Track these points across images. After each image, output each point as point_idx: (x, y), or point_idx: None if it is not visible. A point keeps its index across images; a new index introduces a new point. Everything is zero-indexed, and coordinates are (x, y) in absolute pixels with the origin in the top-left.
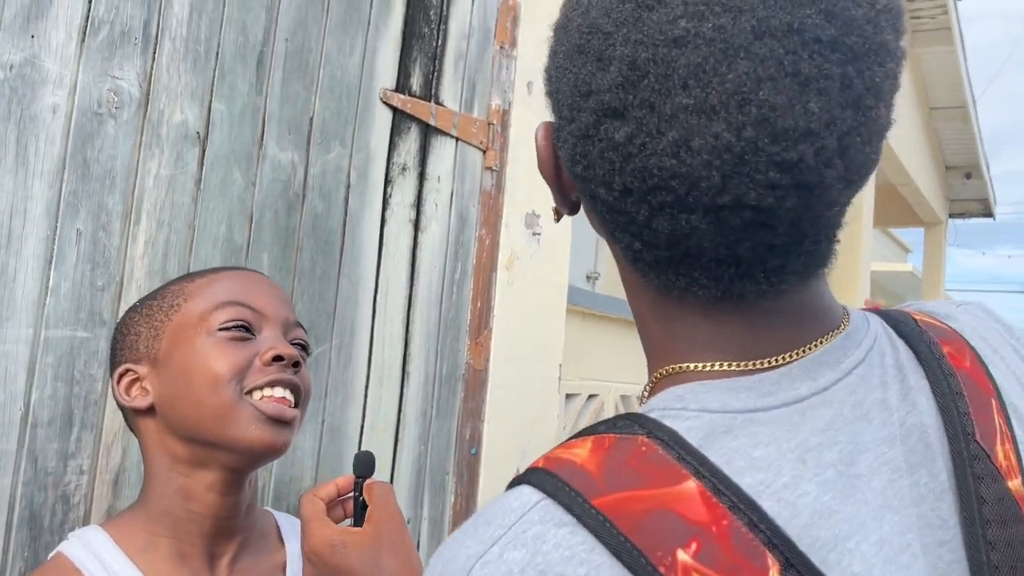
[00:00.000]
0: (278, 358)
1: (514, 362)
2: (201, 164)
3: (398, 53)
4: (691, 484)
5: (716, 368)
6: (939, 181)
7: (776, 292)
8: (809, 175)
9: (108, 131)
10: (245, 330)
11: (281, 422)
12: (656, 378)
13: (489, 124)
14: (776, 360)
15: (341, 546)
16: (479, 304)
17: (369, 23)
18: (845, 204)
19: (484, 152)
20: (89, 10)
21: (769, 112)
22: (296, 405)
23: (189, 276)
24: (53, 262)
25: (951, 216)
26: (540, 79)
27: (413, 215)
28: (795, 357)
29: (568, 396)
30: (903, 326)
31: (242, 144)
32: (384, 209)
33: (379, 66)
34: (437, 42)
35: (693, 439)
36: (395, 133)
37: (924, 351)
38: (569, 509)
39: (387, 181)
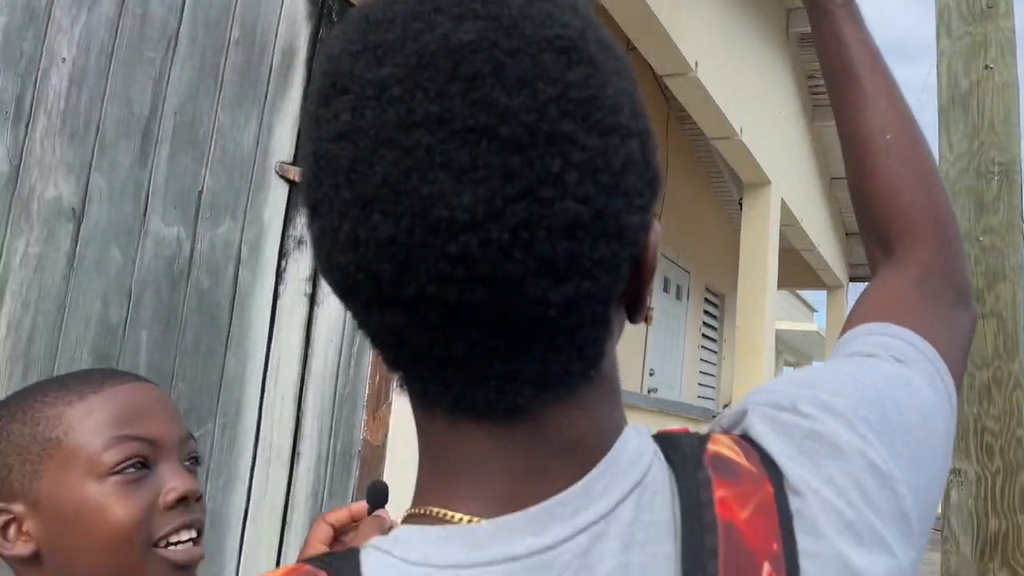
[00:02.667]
0: (183, 499)
1: (415, 437)
2: (76, 240)
3: (296, 127)
4: None
5: (447, 516)
6: (840, 247)
7: (513, 407)
8: (483, 268)
9: None
10: (142, 466)
11: (189, 566)
12: (405, 516)
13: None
14: (509, 505)
15: None
16: (378, 377)
17: (266, 99)
18: (571, 305)
19: None
20: None
21: (422, 203)
22: (201, 536)
23: (62, 393)
24: None
25: (852, 280)
26: None
27: (309, 289)
28: (525, 504)
29: None
30: (679, 459)
31: (122, 219)
32: (277, 283)
33: (275, 140)
34: None
35: None
36: (291, 206)
37: (687, 495)
38: None
39: (281, 255)
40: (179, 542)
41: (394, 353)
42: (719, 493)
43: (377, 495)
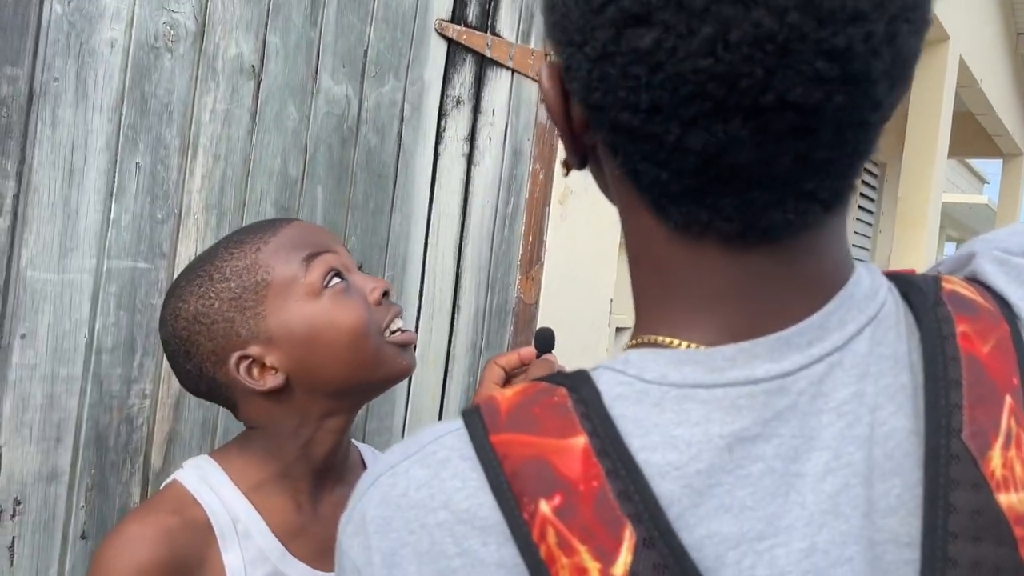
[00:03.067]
0: (385, 294)
1: (565, 296)
2: (256, 98)
3: None
4: (579, 440)
5: (677, 344)
6: (1022, 111)
7: (800, 227)
8: (858, 64)
9: (165, 65)
10: (340, 277)
11: (409, 346)
12: (627, 346)
13: (546, 55)
14: (744, 335)
15: None
16: (531, 238)
17: None
18: (887, 111)
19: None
20: None
21: None
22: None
23: (245, 245)
24: (114, 195)
25: None
26: None
27: (467, 149)
28: (761, 334)
29: (619, 330)
30: (917, 296)
31: (296, 77)
32: (437, 143)
33: None
34: None
35: (612, 402)
36: (450, 65)
37: (929, 330)
38: (473, 440)
39: (441, 114)
40: (398, 329)
41: (698, 178)
42: (961, 328)
43: (545, 341)
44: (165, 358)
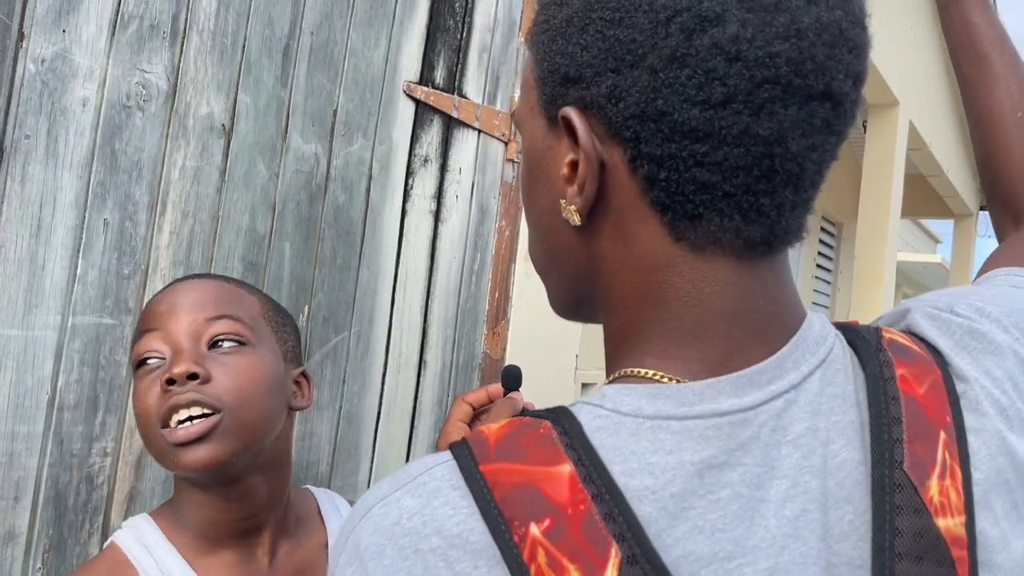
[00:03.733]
0: (170, 381)
1: (531, 352)
2: (226, 156)
3: (422, 46)
4: (565, 468)
5: (657, 376)
6: (970, 173)
7: (799, 236)
8: (864, 62)
9: (136, 123)
10: (155, 359)
11: (192, 443)
12: (609, 381)
13: (511, 115)
14: (713, 372)
15: None
16: (497, 294)
17: (394, 17)
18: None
19: (506, 144)
20: (119, 4)
21: None
22: (209, 414)
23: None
24: (81, 251)
25: (981, 208)
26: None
27: (434, 206)
28: (725, 372)
29: (584, 385)
30: (861, 343)
31: (266, 136)
32: (405, 200)
33: (403, 59)
34: (462, 35)
35: (593, 433)
36: (418, 125)
37: (872, 372)
38: (463, 472)
39: (409, 173)
40: (177, 422)
41: (748, 171)
42: (900, 371)
43: (512, 378)
44: (127, 416)
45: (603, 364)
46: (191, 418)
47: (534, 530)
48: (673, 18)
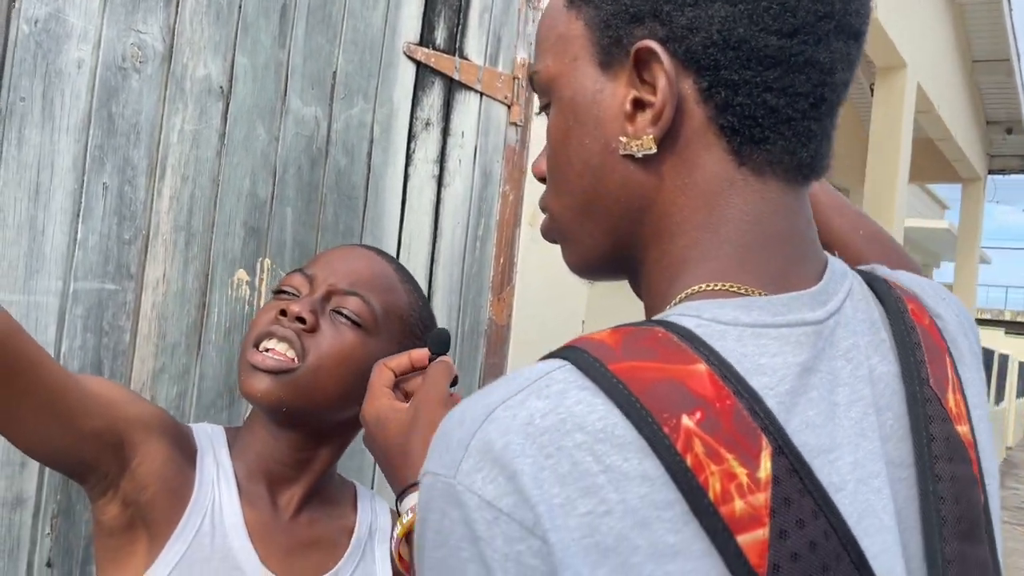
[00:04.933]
0: (282, 313)
1: (537, 318)
2: (225, 119)
3: (422, 6)
4: (701, 367)
5: (744, 290)
6: (979, 136)
7: (822, 174)
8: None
9: (133, 85)
10: (289, 294)
11: (262, 371)
12: (677, 301)
13: (514, 78)
14: (780, 287)
15: (383, 421)
16: (502, 260)
17: None
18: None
19: (509, 107)
20: None
21: None
22: (297, 358)
23: None
24: (81, 215)
25: (990, 172)
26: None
27: (436, 171)
28: (791, 288)
29: None
30: (875, 281)
31: (265, 98)
32: (407, 164)
33: (403, 19)
34: None
35: (705, 339)
36: (419, 88)
37: (891, 305)
38: (587, 373)
39: (410, 136)
40: (264, 349)
41: (807, 97)
42: (910, 305)
43: (440, 343)
44: (132, 382)
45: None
46: (276, 350)
47: (686, 421)
48: None
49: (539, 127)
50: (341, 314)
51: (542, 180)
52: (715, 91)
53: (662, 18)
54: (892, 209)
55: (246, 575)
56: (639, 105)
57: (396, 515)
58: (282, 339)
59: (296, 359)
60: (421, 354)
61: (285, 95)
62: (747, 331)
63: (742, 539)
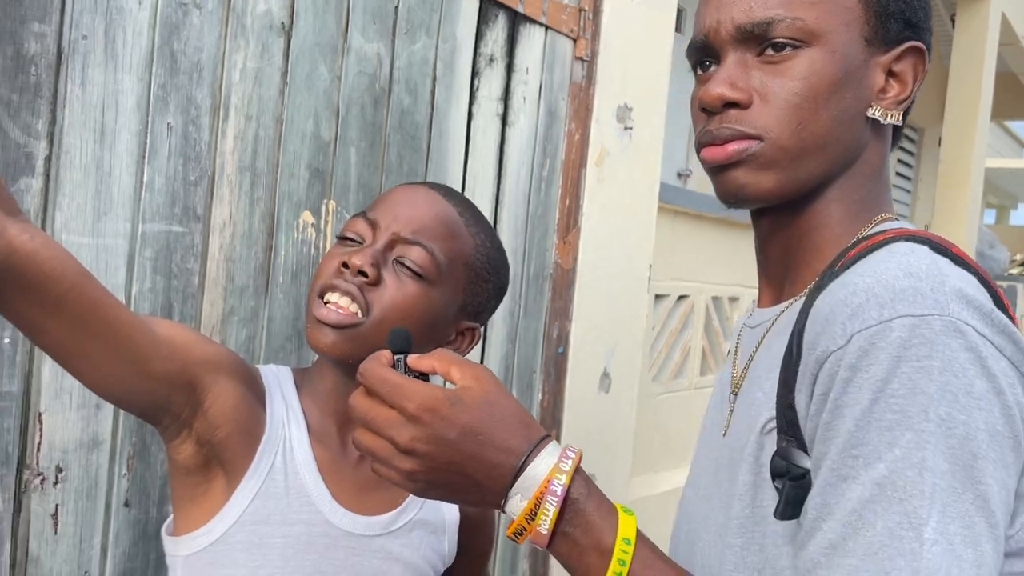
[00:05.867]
0: (344, 265)
1: (603, 262)
2: (287, 56)
3: None
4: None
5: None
6: None
7: None
8: None
9: (193, 22)
10: (353, 241)
11: (327, 325)
12: (876, 223)
13: (580, 10)
14: None
15: (457, 401)
16: (568, 202)
17: None
18: None
19: (575, 41)
20: None
21: None
22: (360, 312)
23: None
24: (147, 156)
25: None
26: None
27: (500, 109)
28: None
29: (657, 297)
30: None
31: (327, 35)
32: (471, 103)
33: None
34: None
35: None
36: (482, 21)
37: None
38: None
39: (474, 73)
40: (327, 302)
41: None
42: None
43: (398, 340)
44: (202, 325)
45: (676, 275)
46: (339, 305)
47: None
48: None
49: (606, 62)
50: (403, 264)
51: (721, 105)
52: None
53: (921, 31)
54: (972, 148)
55: (318, 510)
56: (890, 79)
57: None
58: (344, 293)
59: (359, 313)
60: (386, 357)
61: (347, 31)
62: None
63: None
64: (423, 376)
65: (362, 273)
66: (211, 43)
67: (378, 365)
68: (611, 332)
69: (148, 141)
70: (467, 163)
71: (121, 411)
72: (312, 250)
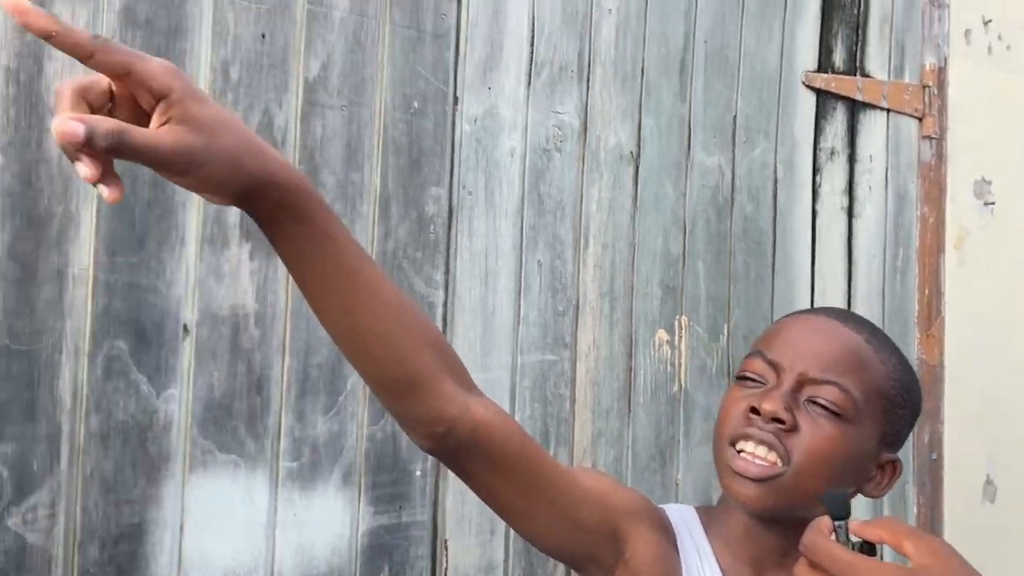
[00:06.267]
0: (753, 411)
1: (974, 353)
2: (635, 182)
3: (818, 30)
4: None
5: None
6: None
7: None
8: None
9: (555, 164)
10: (753, 381)
11: (747, 478)
12: None
13: (924, 87)
14: None
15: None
16: (927, 291)
17: (786, 5)
18: None
19: (920, 120)
20: (532, 52)
21: None
22: (780, 461)
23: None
24: (522, 292)
25: None
26: (979, 24)
27: (845, 202)
28: None
29: None
30: None
31: (671, 155)
32: (814, 200)
33: (798, 48)
34: (859, 8)
35: None
36: (820, 116)
37: None
38: None
39: (815, 170)
40: (742, 451)
41: None
42: None
43: (839, 506)
44: (574, 447)
45: None
46: (756, 455)
47: None
48: None
49: (957, 135)
50: (817, 404)
51: (771, 419)
52: None
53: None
54: None
55: None
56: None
57: None
58: (760, 442)
59: (779, 462)
60: (826, 526)
61: (689, 148)
62: None
63: None
64: (867, 543)
65: (777, 420)
66: (571, 180)
67: (823, 539)
68: (992, 433)
69: (523, 279)
70: (814, 262)
71: (512, 537)
72: (668, 368)
